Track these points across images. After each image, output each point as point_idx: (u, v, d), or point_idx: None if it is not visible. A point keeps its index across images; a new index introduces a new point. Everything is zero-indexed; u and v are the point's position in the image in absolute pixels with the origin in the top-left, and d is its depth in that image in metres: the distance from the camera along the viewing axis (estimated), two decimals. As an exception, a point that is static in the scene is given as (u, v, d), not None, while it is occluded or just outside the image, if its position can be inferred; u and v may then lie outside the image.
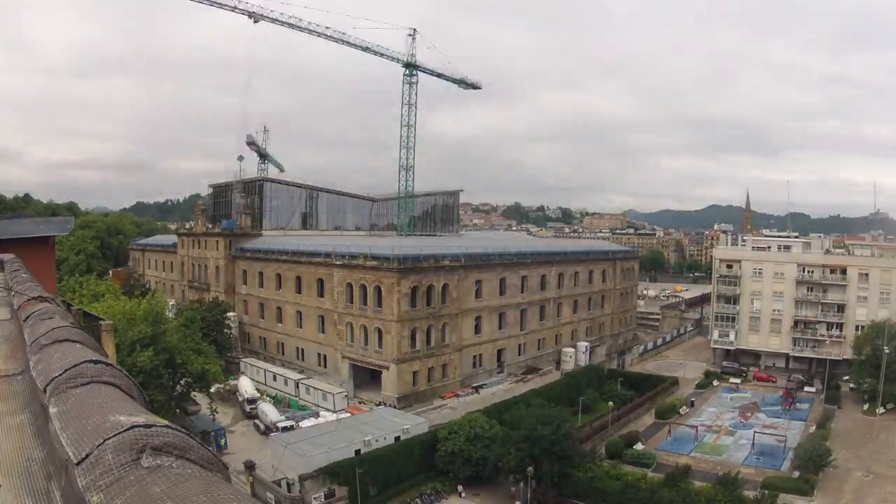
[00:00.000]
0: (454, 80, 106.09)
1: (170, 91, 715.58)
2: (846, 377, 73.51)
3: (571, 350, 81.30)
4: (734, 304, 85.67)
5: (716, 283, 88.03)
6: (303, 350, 74.07)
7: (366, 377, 66.36)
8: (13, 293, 5.74)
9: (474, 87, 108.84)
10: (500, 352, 75.44)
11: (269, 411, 56.21)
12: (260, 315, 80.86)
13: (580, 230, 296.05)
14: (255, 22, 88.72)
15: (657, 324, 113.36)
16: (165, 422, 1.85)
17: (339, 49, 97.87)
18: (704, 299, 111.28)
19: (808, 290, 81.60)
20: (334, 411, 57.79)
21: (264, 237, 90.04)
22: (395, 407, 59.34)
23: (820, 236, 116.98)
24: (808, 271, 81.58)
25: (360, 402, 62.77)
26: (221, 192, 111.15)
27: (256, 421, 56.79)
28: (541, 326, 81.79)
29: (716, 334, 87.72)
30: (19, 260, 8.76)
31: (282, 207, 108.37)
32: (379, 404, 60.62)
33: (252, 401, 59.65)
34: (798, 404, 68.44)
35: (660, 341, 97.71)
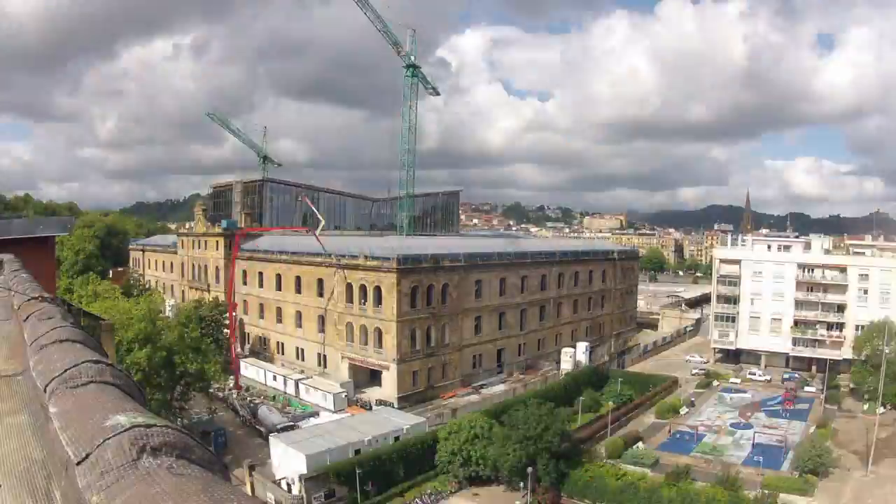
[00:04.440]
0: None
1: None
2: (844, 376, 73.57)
3: (571, 350, 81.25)
4: (734, 304, 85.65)
5: (716, 283, 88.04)
6: (303, 350, 74.07)
7: (366, 377, 66.35)
8: (13, 293, 5.74)
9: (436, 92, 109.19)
10: (500, 352, 75.43)
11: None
12: (260, 315, 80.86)
13: (580, 230, 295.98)
14: None
15: (657, 324, 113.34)
16: (165, 422, 1.85)
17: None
18: (704, 299, 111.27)
19: (808, 291, 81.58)
20: (334, 411, 57.81)
21: (264, 237, 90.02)
22: (395, 407, 59.36)
23: (820, 236, 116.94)
24: (808, 271, 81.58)
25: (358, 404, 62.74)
26: (221, 192, 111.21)
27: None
28: (541, 326, 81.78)
29: (716, 334, 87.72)
30: (19, 260, 8.75)
31: (282, 207, 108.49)
32: (379, 404, 60.61)
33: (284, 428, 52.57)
34: (798, 404, 68.47)
35: (660, 341, 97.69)
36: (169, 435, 1.75)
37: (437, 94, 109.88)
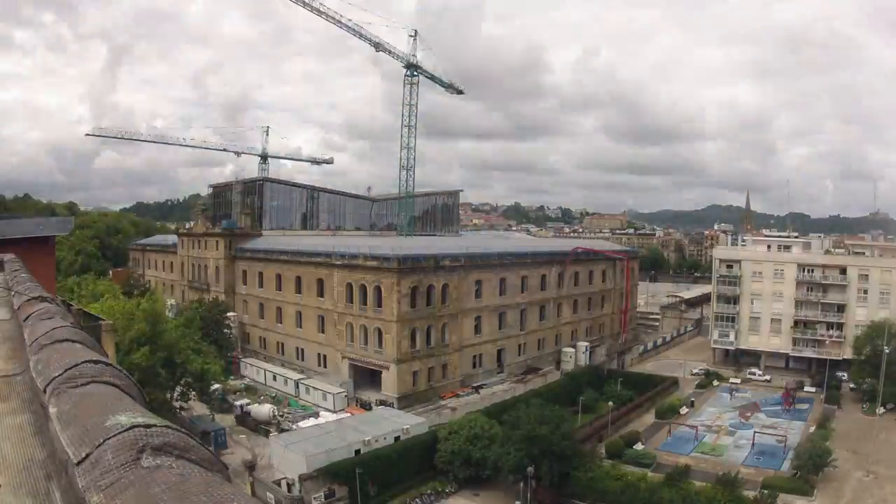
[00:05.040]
0: (444, 84, 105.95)
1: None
2: (845, 376, 73.56)
3: (571, 350, 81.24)
4: (734, 304, 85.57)
5: (716, 283, 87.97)
6: (303, 350, 74.07)
7: (366, 377, 66.36)
8: (13, 293, 5.74)
9: (459, 91, 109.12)
10: (500, 352, 75.41)
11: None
12: (260, 315, 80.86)
13: (580, 230, 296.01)
14: None
15: (657, 324, 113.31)
16: (165, 422, 1.85)
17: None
18: (704, 299, 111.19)
19: (808, 291, 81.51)
20: (334, 411, 57.81)
21: (264, 237, 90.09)
22: (394, 407, 59.34)
23: (820, 236, 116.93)
24: (808, 271, 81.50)
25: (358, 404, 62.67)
26: (221, 192, 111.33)
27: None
28: (541, 326, 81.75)
29: (716, 334, 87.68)
30: (19, 260, 8.76)
31: (282, 207, 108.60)
32: (379, 404, 60.62)
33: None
34: (798, 404, 68.45)
35: (660, 341, 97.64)
36: (169, 435, 1.75)
37: (460, 91, 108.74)
